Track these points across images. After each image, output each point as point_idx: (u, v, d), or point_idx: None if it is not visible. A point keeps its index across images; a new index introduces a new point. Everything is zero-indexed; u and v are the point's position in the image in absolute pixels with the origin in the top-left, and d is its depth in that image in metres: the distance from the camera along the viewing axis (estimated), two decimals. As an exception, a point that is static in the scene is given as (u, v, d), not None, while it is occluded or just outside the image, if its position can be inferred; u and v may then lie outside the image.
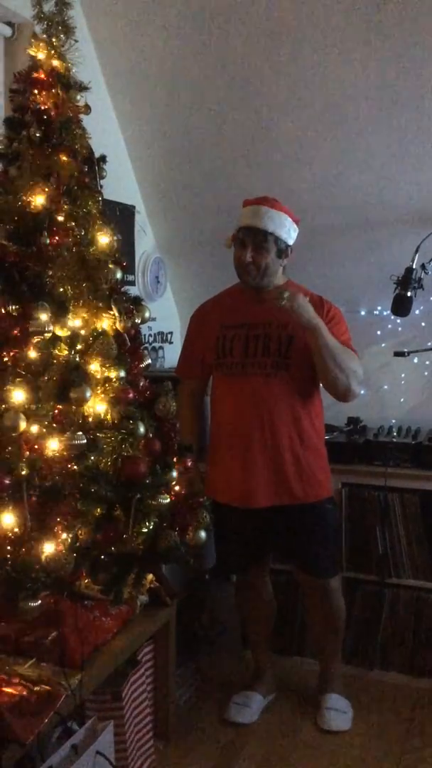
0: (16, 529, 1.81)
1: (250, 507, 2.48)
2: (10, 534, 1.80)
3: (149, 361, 2.28)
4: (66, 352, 1.94)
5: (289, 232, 2.45)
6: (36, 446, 1.87)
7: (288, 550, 2.69)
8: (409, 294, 2.81)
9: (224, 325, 2.54)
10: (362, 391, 3.27)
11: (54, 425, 1.90)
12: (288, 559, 2.78)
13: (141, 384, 2.18)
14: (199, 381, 2.69)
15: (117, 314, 2.10)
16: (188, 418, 2.62)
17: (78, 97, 2.17)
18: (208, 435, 2.71)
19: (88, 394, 1.88)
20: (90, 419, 1.96)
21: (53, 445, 1.87)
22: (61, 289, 2.00)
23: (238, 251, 2.46)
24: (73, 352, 1.95)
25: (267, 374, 2.45)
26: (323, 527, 2.58)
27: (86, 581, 1.99)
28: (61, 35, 2.14)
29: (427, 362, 3.29)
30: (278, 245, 2.43)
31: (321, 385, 2.51)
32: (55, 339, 1.93)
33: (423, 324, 3.25)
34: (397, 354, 3.00)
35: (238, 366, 2.48)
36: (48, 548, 1.79)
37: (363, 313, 3.29)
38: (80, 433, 1.88)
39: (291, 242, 2.47)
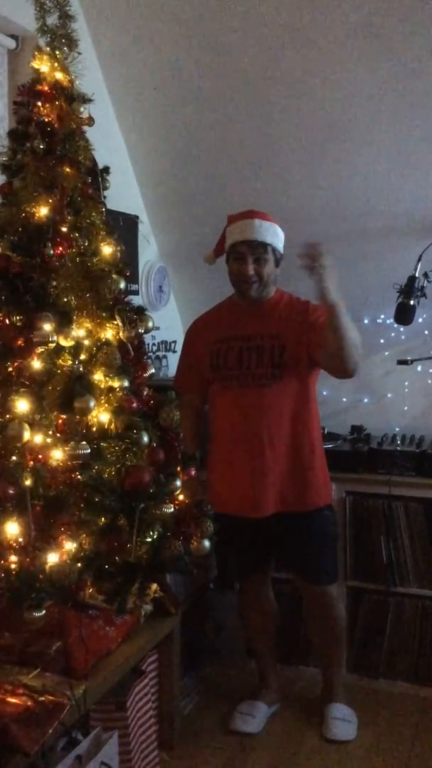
0: (21, 539, 1.81)
1: (257, 516, 2.48)
2: (15, 544, 1.81)
3: (153, 370, 2.29)
4: (70, 362, 1.94)
5: (281, 242, 2.49)
6: (40, 456, 1.88)
7: (287, 558, 2.69)
8: (412, 302, 2.82)
9: (218, 338, 2.56)
10: (365, 400, 3.30)
11: (58, 435, 1.90)
12: (288, 567, 2.78)
13: (144, 393, 2.19)
14: (197, 394, 2.69)
15: (120, 324, 2.10)
16: (188, 429, 2.62)
17: (81, 109, 2.18)
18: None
19: (91, 403, 1.89)
20: (94, 429, 1.96)
21: (57, 455, 1.88)
22: (65, 300, 2.01)
23: (236, 265, 2.48)
24: (76, 362, 1.96)
25: (262, 384, 2.46)
26: (322, 535, 2.58)
27: (90, 591, 1.99)
28: (65, 48, 2.16)
29: (431, 370, 3.29)
30: (275, 255, 2.48)
31: (324, 367, 2.44)
32: (59, 349, 1.94)
33: (426, 332, 3.25)
34: (401, 362, 3.00)
35: (234, 378, 2.50)
36: (52, 558, 1.80)
37: (366, 321, 3.29)
38: (84, 442, 1.88)
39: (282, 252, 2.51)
